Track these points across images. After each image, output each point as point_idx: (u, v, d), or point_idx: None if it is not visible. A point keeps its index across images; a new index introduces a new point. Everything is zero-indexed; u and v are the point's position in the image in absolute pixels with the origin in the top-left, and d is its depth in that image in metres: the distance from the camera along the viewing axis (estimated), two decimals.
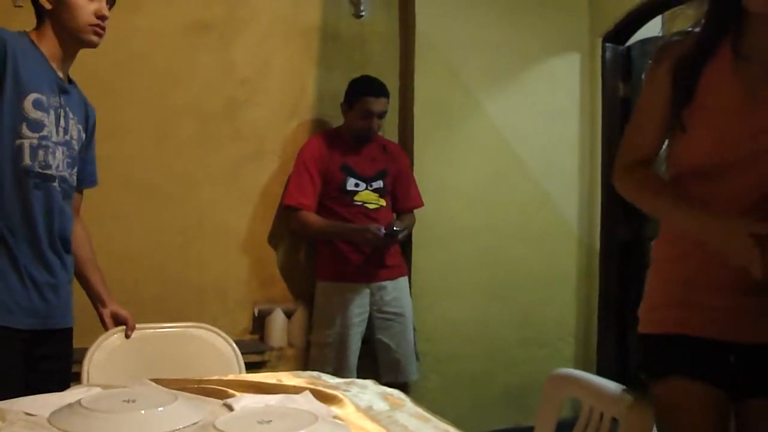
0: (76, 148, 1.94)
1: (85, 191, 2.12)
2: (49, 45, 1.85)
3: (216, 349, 2.03)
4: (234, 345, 2.04)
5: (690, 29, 1.58)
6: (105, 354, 1.93)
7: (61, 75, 1.89)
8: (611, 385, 1.57)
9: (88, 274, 2.09)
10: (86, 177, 2.08)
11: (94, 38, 1.87)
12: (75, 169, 1.95)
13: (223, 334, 2.05)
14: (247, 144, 3.26)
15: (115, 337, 2.00)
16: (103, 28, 1.88)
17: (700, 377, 1.48)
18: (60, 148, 1.86)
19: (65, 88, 1.90)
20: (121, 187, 2.98)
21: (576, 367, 3.80)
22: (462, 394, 3.60)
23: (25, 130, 1.76)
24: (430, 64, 3.52)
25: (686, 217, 1.49)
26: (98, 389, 1.50)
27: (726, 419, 1.50)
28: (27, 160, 1.77)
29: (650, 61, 1.62)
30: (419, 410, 1.48)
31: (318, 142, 3.17)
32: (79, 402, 1.31)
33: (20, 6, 2.64)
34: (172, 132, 3.12)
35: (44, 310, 1.84)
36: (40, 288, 1.83)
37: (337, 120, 3.30)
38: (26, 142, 1.77)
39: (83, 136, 1.99)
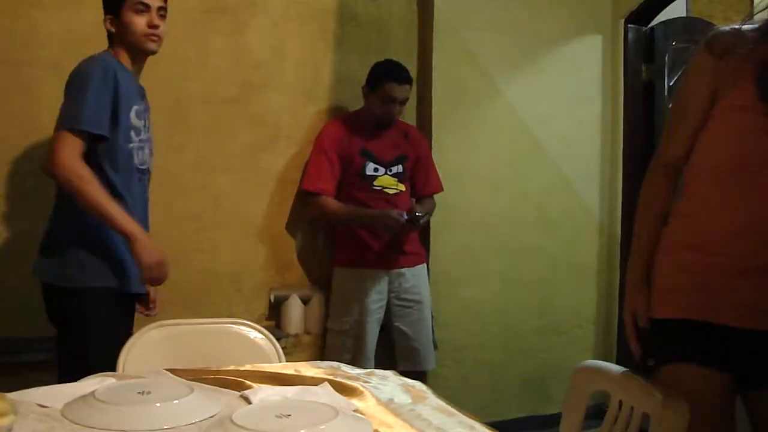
0: (152, 142, 2.34)
1: None
2: (125, 59, 2.20)
3: (256, 345, 1.97)
4: (275, 341, 1.97)
5: (752, 23, 1.52)
6: (141, 349, 1.88)
7: (139, 82, 2.27)
8: (641, 379, 1.52)
9: None
10: None
11: (151, 45, 2.21)
12: (152, 160, 2.34)
13: (264, 330, 2.00)
14: (263, 129, 3.22)
15: (152, 332, 1.95)
16: (157, 35, 2.20)
17: (711, 364, 1.49)
18: (147, 144, 2.26)
19: (144, 93, 2.29)
20: None
21: (595, 356, 3.76)
22: (480, 381, 3.57)
23: (132, 136, 2.17)
24: (448, 47, 3.45)
25: (632, 262, 1.69)
26: (113, 380, 1.47)
27: (733, 407, 1.52)
28: (135, 160, 2.19)
29: (700, 48, 1.57)
30: (442, 403, 1.43)
31: (337, 127, 3.12)
32: (92, 394, 1.28)
33: None
34: (185, 117, 3.07)
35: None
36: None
37: (354, 104, 3.24)
38: (134, 146, 2.18)
39: None
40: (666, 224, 1.64)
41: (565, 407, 1.72)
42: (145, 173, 2.27)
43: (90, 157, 2.07)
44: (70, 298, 2.11)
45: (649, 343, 1.62)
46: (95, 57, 2.14)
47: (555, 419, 1.80)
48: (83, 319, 2.09)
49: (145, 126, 2.25)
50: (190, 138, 3.08)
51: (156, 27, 2.19)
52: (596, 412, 1.76)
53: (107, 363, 1.73)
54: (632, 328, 1.64)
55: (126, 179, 2.16)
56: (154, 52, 2.24)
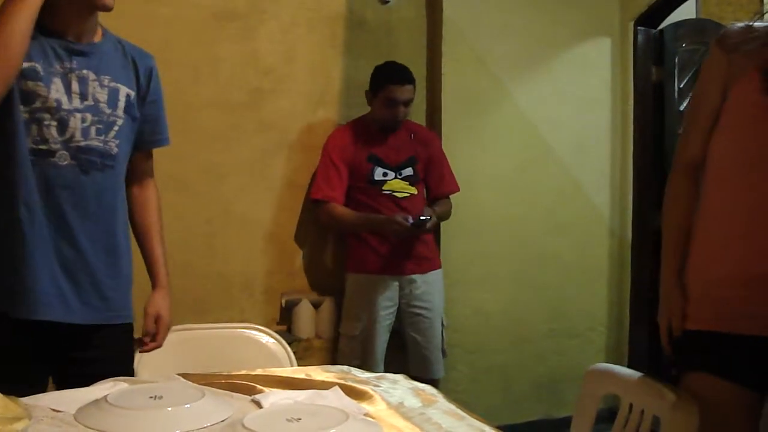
0: (110, 110, 1.76)
1: None
2: (57, 9, 1.66)
3: (267, 350, 1.99)
4: (287, 346, 1.99)
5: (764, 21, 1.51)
6: (153, 354, 1.88)
7: (72, 38, 1.71)
8: (651, 382, 1.52)
9: (142, 249, 1.94)
10: (148, 137, 1.94)
11: (104, 0, 1.68)
12: (111, 135, 1.76)
13: (275, 335, 2.01)
14: (273, 134, 3.23)
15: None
16: None
17: (732, 376, 1.47)
18: (78, 115, 1.69)
19: (79, 50, 1.71)
20: None
21: (607, 359, 3.75)
22: (492, 385, 3.56)
23: (17, 107, 1.62)
24: (457, 50, 3.46)
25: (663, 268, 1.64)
26: (125, 384, 1.48)
27: (756, 419, 1.49)
28: (26, 139, 1.64)
29: (711, 45, 1.55)
30: (452, 407, 1.43)
31: (343, 134, 3.13)
32: (105, 398, 1.29)
33: None
34: (196, 123, 3.09)
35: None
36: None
37: (364, 109, 3.25)
38: (20, 119, 1.63)
39: (129, 94, 1.81)
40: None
41: (576, 410, 1.72)
42: (47, 154, 1.66)
43: None
44: None
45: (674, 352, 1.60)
46: None
47: (567, 422, 1.80)
48: None
49: (69, 90, 1.68)
50: (200, 143, 3.10)
51: None
52: (608, 416, 1.75)
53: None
54: (666, 335, 1.60)
55: (7, 165, 1.64)
56: (108, 9, 1.70)
